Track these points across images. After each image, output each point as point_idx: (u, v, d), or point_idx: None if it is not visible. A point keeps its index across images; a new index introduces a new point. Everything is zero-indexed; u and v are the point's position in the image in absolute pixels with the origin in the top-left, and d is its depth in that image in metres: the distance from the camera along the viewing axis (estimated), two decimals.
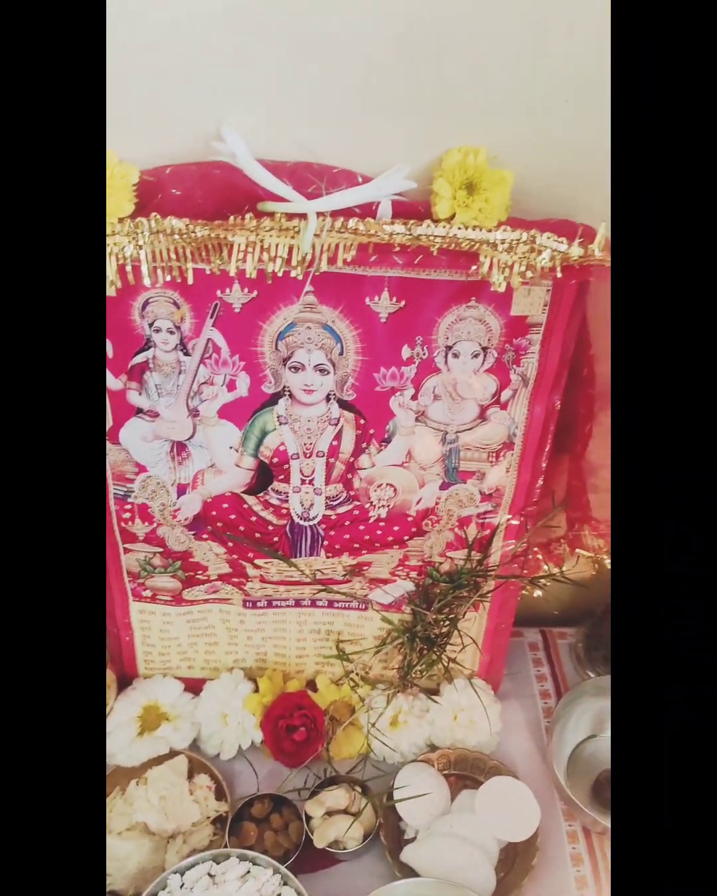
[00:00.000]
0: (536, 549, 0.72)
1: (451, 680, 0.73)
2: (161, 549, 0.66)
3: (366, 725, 0.71)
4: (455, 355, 0.55)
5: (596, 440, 0.64)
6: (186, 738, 0.72)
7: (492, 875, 0.64)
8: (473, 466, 0.61)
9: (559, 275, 0.49)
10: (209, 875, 0.61)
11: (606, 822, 0.64)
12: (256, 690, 0.74)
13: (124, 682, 0.75)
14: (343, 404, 0.57)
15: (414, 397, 0.57)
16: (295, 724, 0.71)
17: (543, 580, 0.69)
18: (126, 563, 0.67)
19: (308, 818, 0.67)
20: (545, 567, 0.73)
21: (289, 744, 0.70)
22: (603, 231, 0.48)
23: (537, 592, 0.75)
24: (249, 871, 0.61)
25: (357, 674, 0.72)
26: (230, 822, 0.66)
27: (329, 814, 0.67)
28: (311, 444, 0.59)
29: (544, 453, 0.61)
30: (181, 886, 0.60)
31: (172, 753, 0.70)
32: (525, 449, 0.60)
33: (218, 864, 0.62)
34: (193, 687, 0.75)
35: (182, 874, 0.61)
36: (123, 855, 0.63)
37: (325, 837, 0.65)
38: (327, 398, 0.57)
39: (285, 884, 0.61)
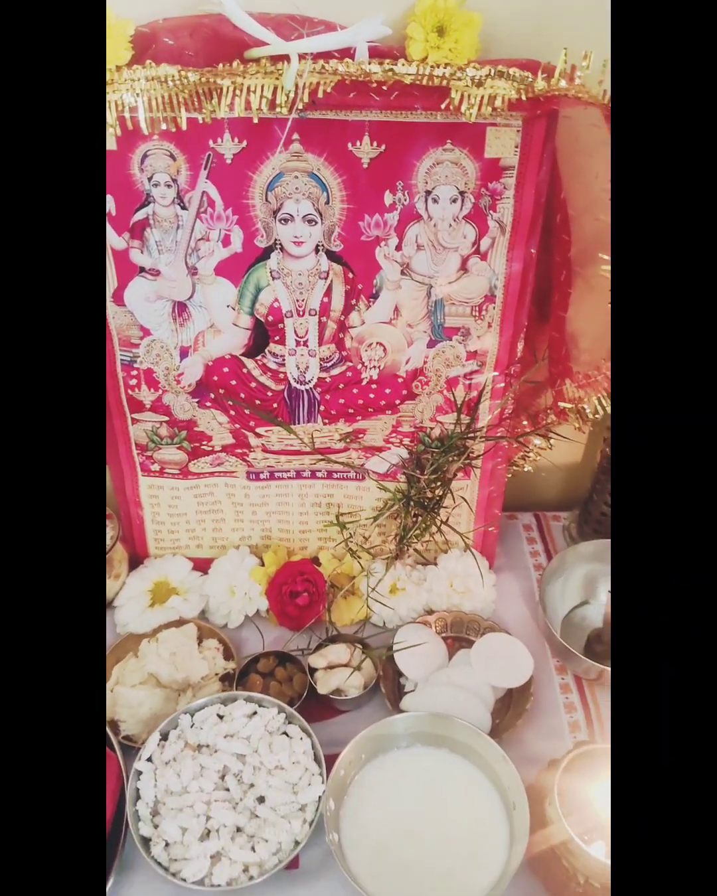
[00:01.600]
0: (525, 422, 0.75)
1: (447, 549, 0.77)
2: (167, 419, 0.70)
3: (366, 592, 0.75)
4: (435, 200, 0.58)
5: (576, 306, 0.67)
6: (195, 609, 0.76)
7: (488, 717, 0.67)
8: (457, 322, 0.65)
9: (524, 100, 0.52)
10: (218, 715, 0.65)
11: (600, 667, 0.68)
12: (262, 565, 0.78)
13: (136, 563, 0.79)
14: (332, 257, 0.61)
15: (399, 248, 0.60)
16: (298, 590, 0.74)
17: (528, 438, 0.73)
18: (134, 434, 0.71)
19: (312, 671, 0.70)
20: (536, 441, 0.77)
21: (292, 608, 0.74)
22: (562, 64, 0.52)
23: (528, 468, 0.79)
24: (255, 712, 0.65)
25: (357, 543, 0.76)
26: (238, 676, 0.70)
27: (331, 667, 0.70)
28: (303, 300, 0.63)
29: (525, 307, 0.64)
30: (191, 725, 0.64)
31: (182, 621, 0.74)
32: (507, 302, 0.63)
33: (226, 705, 0.65)
34: (201, 566, 0.79)
35: (192, 714, 0.65)
36: (135, 703, 0.67)
37: (327, 685, 0.68)
38: (316, 250, 0.60)
39: (290, 722, 0.65)
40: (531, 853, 0.57)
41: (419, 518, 0.74)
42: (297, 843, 0.58)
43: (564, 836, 0.55)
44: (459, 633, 0.75)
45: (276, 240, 0.60)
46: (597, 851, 0.54)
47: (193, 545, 0.79)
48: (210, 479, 0.75)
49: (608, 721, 0.69)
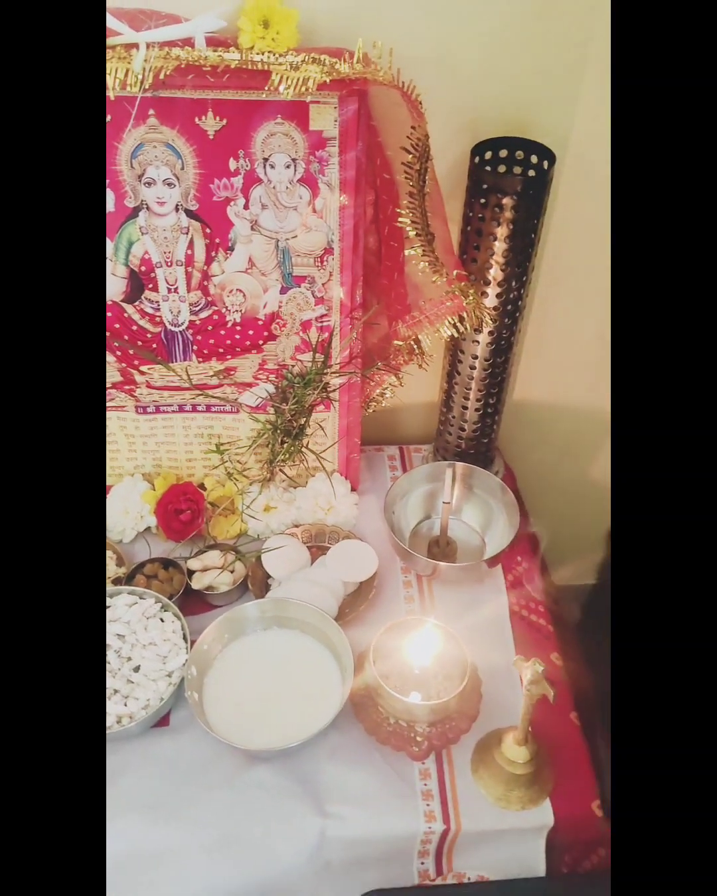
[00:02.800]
0: (379, 364, 0.88)
1: (315, 473, 0.89)
2: None
3: (243, 511, 0.87)
4: (272, 166, 0.70)
5: (411, 264, 0.79)
6: None
7: (336, 604, 0.79)
8: (304, 271, 0.76)
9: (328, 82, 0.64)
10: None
11: (434, 564, 0.80)
12: (153, 489, 0.89)
13: None
14: (190, 214, 0.72)
15: (246, 207, 0.72)
16: (182, 508, 0.86)
17: (382, 377, 0.86)
18: None
19: (190, 572, 0.82)
20: (388, 379, 0.89)
21: (177, 524, 0.86)
22: (358, 52, 0.63)
23: (385, 404, 0.91)
24: (136, 602, 0.77)
25: (235, 468, 0.88)
26: (126, 579, 0.82)
27: (206, 569, 0.82)
28: (170, 252, 0.74)
29: (359, 258, 0.76)
30: None
31: None
32: (343, 253, 0.75)
33: (111, 597, 0.77)
34: None
35: None
36: None
37: (201, 582, 0.80)
38: (177, 208, 0.72)
39: (165, 610, 0.77)
40: (355, 702, 0.70)
41: (286, 444, 0.86)
42: (162, 699, 0.70)
43: (376, 684, 0.68)
44: (321, 543, 0.87)
45: (142, 200, 0.71)
46: (412, 699, 0.67)
47: None
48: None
49: (435, 605, 0.82)
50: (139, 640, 0.73)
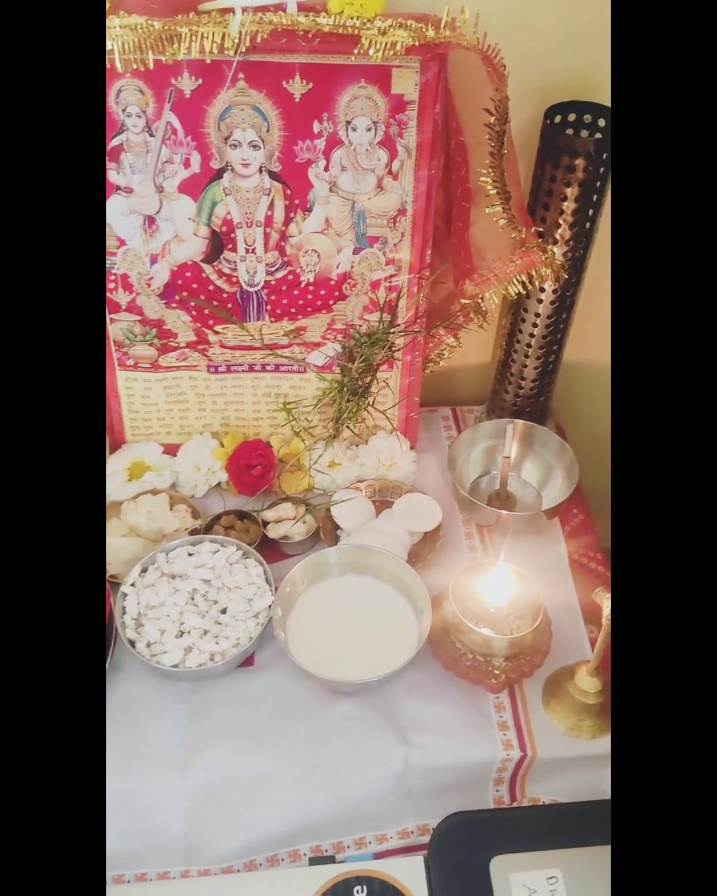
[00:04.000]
0: (441, 329, 0.91)
1: (376, 431, 0.93)
2: (140, 318, 0.84)
3: (309, 467, 0.90)
4: (354, 129, 0.73)
5: (477, 225, 0.82)
6: (167, 482, 0.91)
7: (404, 553, 0.83)
8: (377, 232, 0.80)
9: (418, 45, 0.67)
10: (188, 553, 0.80)
11: (496, 513, 0.84)
12: (222, 447, 0.93)
13: (115, 448, 0.94)
14: (273, 176, 0.75)
15: (326, 169, 0.75)
16: (252, 464, 0.89)
17: (440, 337, 0.89)
18: (112, 332, 0.85)
19: (265, 523, 0.86)
20: (446, 340, 0.93)
21: (248, 479, 0.89)
22: (446, 17, 0.66)
23: (443, 364, 0.95)
24: (218, 550, 0.80)
25: (301, 427, 0.91)
26: (203, 530, 0.85)
27: (280, 520, 0.86)
28: (250, 213, 0.77)
29: (430, 219, 0.79)
30: (166, 560, 0.79)
31: (157, 491, 0.89)
32: (415, 215, 0.78)
33: (194, 545, 0.81)
34: (171, 451, 0.93)
35: (167, 553, 0.80)
36: (119, 548, 0.82)
37: (277, 532, 0.84)
38: (260, 170, 0.75)
39: (246, 557, 0.81)
40: (433, 640, 0.74)
41: (351, 403, 0.89)
42: (251, 638, 0.74)
43: (456, 621, 0.71)
44: (384, 497, 0.91)
45: (227, 162, 0.74)
46: (483, 631, 0.71)
47: (163, 432, 0.94)
48: (177, 373, 0.89)
49: (498, 550, 0.85)
50: (225, 584, 0.77)
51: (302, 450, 0.92)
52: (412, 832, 0.72)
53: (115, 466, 0.90)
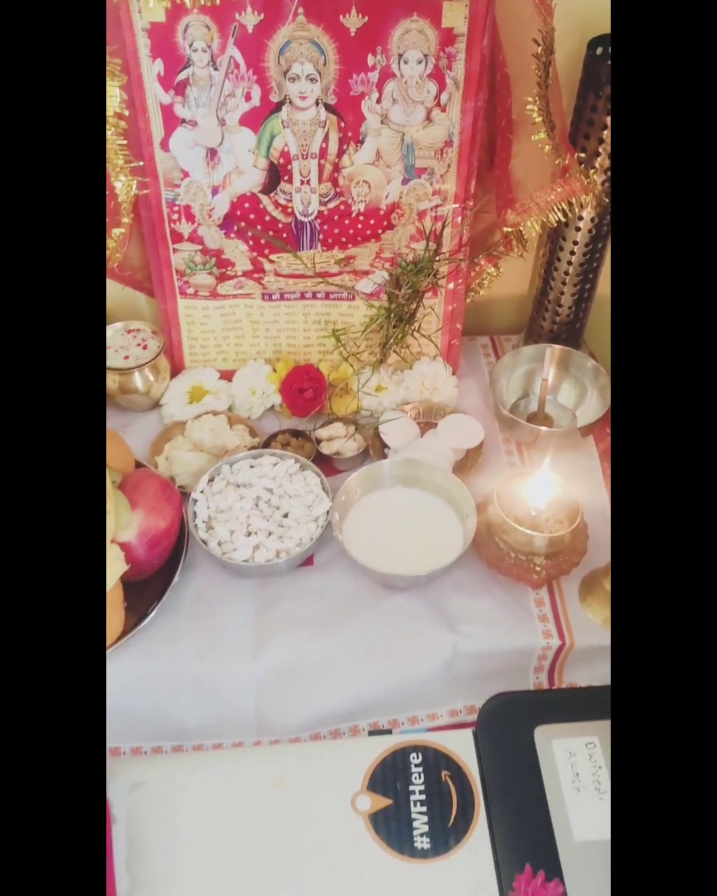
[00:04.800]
0: (480, 260, 0.96)
1: (420, 357, 0.98)
2: (200, 247, 0.90)
3: (357, 390, 0.96)
4: (405, 62, 0.77)
5: (515, 150, 0.86)
6: (224, 405, 0.97)
7: (449, 468, 0.90)
8: (425, 163, 0.84)
9: None
10: (250, 465, 0.87)
11: (534, 429, 0.90)
12: (275, 372, 0.99)
13: (175, 374, 1.00)
14: (329, 108, 0.80)
15: (379, 101, 0.79)
16: (305, 387, 0.96)
17: (482, 266, 0.94)
18: (175, 262, 0.91)
19: (318, 441, 0.92)
20: (487, 269, 0.98)
21: (300, 401, 0.95)
22: None
23: (483, 292, 1.00)
24: (277, 463, 0.87)
25: (349, 352, 0.97)
26: (261, 446, 0.92)
27: (332, 438, 0.92)
28: (306, 145, 0.82)
29: (476, 151, 0.83)
30: (231, 471, 0.86)
31: (216, 412, 0.96)
32: (462, 146, 0.83)
33: (256, 458, 0.87)
34: (226, 376, 1.00)
35: (231, 464, 0.87)
36: (186, 461, 0.89)
37: (330, 448, 0.91)
38: (316, 103, 0.79)
39: (304, 469, 0.87)
40: (477, 542, 0.81)
41: (397, 329, 0.95)
42: (311, 539, 0.81)
43: (500, 522, 0.78)
44: (428, 419, 0.97)
45: (285, 95, 0.79)
46: (526, 531, 0.77)
47: (219, 359, 1.00)
48: (233, 301, 0.95)
49: (532, 463, 0.92)
50: (286, 491, 0.83)
51: (350, 374, 0.97)
52: (460, 712, 0.79)
53: (177, 390, 0.97)
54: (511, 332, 1.09)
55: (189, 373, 0.99)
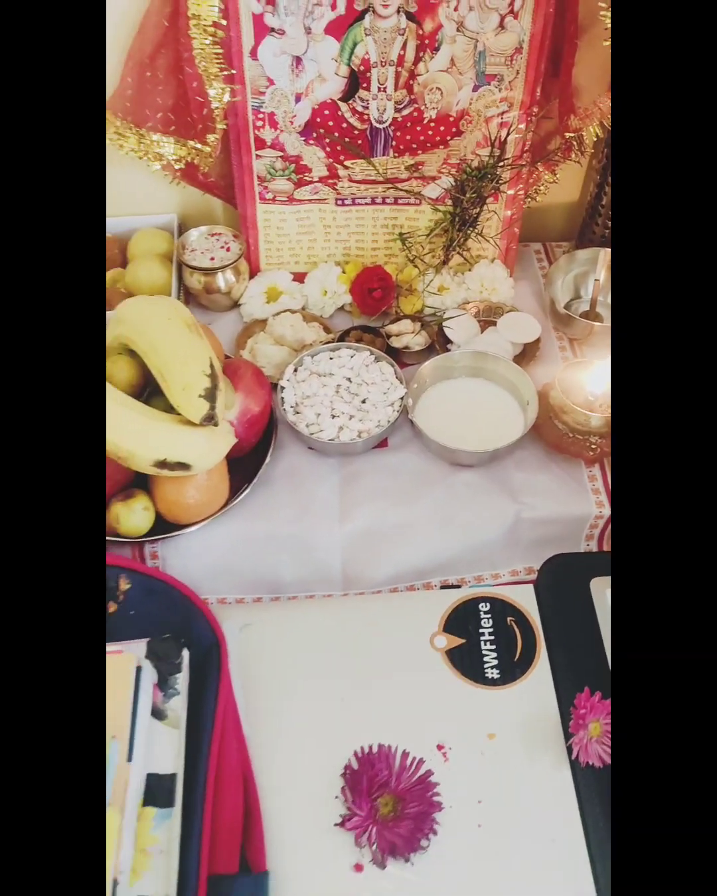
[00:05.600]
0: (538, 167, 1.02)
1: (479, 260, 1.06)
2: (281, 154, 0.96)
3: (422, 291, 1.04)
4: None
5: (580, 58, 0.91)
6: (298, 304, 1.05)
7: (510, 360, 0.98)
8: (495, 70, 0.90)
9: None
10: (329, 356, 0.96)
11: (587, 325, 0.98)
12: (344, 273, 1.06)
13: (252, 276, 1.08)
14: (409, 16, 0.85)
15: (456, 8, 0.85)
16: (374, 287, 1.03)
17: (540, 173, 1.00)
18: (256, 168, 0.98)
19: (388, 336, 1.00)
20: (544, 176, 1.04)
21: (370, 300, 1.03)
22: None
23: (539, 199, 1.06)
24: (354, 355, 0.96)
25: (415, 255, 1.04)
26: (336, 341, 1.00)
27: (400, 334, 1.01)
28: (386, 53, 0.88)
29: (543, 58, 0.89)
30: (313, 363, 0.95)
31: (292, 311, 1.04)
32: (530, 53, 0.88)
33: (334, 351, 0.96)
34: (298, 279, 1.07)
35: (312, 356, 0.95)
36: (270, 353, 0.97)
37: (400, 342, 0.99)
38: (398, 11, 0.85)
39: (378, 360, 0.96)
40: (537, 425, 0.90)
41: (460, 233, 1.02)
42: (389, 421, 0.90)
43: (560, 404, 0.87)
44: (488, 317, 1.05)
45: (369, 4, 0.84)
46: (584, 411, 0.86)
47: (292, 262, 1.07)
48: (308, 206, 1.02)
49: (584, 356, 1.00)
50: (363, 380, 0.92)
51: (415, 276, 1.05)
52: (520, 572, 0.90)
53: (255, 290, 1.05)
54: (561, 239, 1.16)
55: (265, 274, 1.06)
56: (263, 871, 0.64)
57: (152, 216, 1.08)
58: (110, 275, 1.04)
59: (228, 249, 1.02)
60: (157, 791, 0.64)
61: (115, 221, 1.08)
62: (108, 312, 0.86)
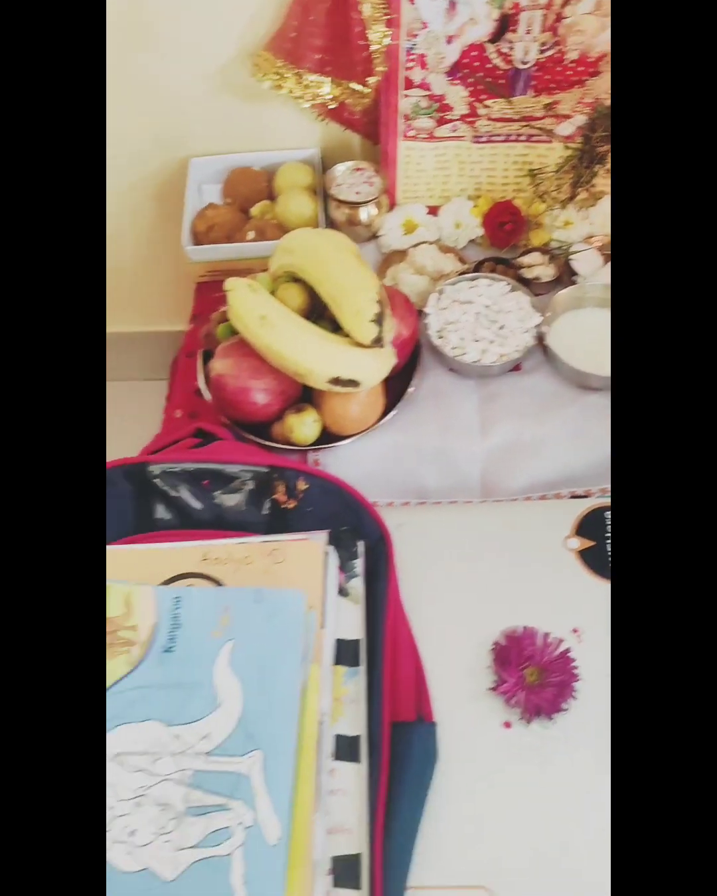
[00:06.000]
0: None
1: (603, 196, 1.12)
2: (427, 93, 1.03)
3: (549, 225, 1.11)
4: None
5: None
6: (433, 236, 1.13)
7: None
8: None
9: None
10: (469, 287, 1.04)
11: None
12: (476, 207, 1.13)
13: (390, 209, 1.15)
14: None
15: None
16: (505, 220, 1.10)
17: None
18: (402, 106, 1.04)
19: (519, 267, 1.08)
20: None
21: (501, 233, 1.11)
22: None
23: None
24: (492, 284, 1.04)
25: (543, 190, 1.10)
26: (472, 271, 1.08)
27: (531, 265, 1.08)
28: None
29: None
30: (455, 292, 1.03)
31: (428, 242, 1.12)
32: None
33: (472, 281, 1.04)
34: (431, 212, 1.15)
35: (453, 285, 1.04)
36: (413, 282, 1.06)
37: (531, 273, 1.07)
38: None
39: (514, 290, 1.04)
40: None
41: (588, 170, 1.08)
42: (526, 346, 0.98)
43: None
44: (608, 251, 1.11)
45: None
46: None
47: (426, 195, 1.15)
48: (446, 143, 1.09)
49: None
50: (501, 308, 1.01)
51: (542, 210, 1.12)
52: None
53: (392, 223, 1.13)
54: None
55: (402, 208, 1.14)
56: (432, 721, 0.77)
57: (297, 151, 1.16)
58: (260, 206, 1.13)
59: (370, 184, 1.10)
60: (345, 653, 0.76)
61: (262, 156, 1.16)
62: (274, 243, 0.95)
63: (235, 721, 0.68)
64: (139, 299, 1.44)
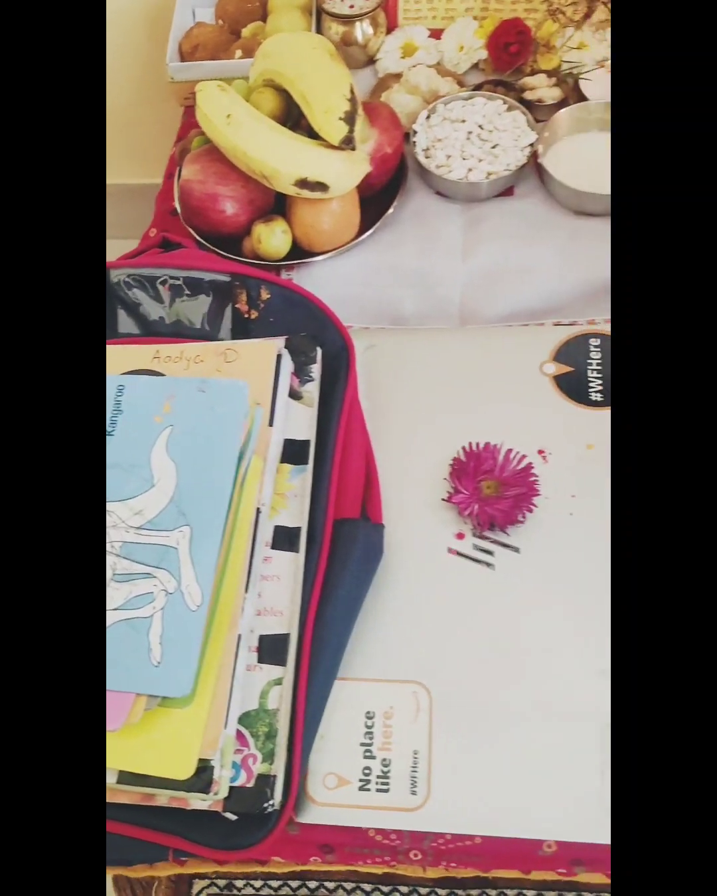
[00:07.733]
0: None
1: None
2: None
3: (561, 47, 1.03)
4: None
5: None
6: (434, 59, 1.06)
7: None
8: None
9: None
10: (462, 105, 0.97)
11: None
12: (482, 27, 1.06)
13: (389, 32, 1.08)
14: None
15: None
16: (511, 41, 1.03)
17: None
18: None
19: (521, 89, 1.01)
20: None
21: (506, 56, 1.03)
22: None
23: None
24: (487, 103, 0.97)
25: (555, 7, 1.02)
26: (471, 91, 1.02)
27: (535, 87, 1.01)
28: None
29: None
30: (447, 110, 0.97)
31: (428, 65, 1.05)
32: None
33: (468, 99, 0.98)
34: (434, 35, 1.07)
35: (446, 104, 0.97)
36: (404, 103, 0.99)
37: (534, 95, 1.00)
38: None
39: (512, 109, 0.97)
40: None
41: None
42: (518, 165, 0.92)
43: None
44: None
45: None
46: None
47: (430, 16, 1.07)
48: None
49: None
50: (496, 126, 0.94)
51: (555, 31, 1.03)
52: None
53: (391, 45, 1.06)
54: None
55: (402, 30, 1.07)
56: (379, 523, 0.75)
57: None
58: (251, 27, 1.07)
59: None
60: (293, 452, 0.74)
61: None
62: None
63: (168, 499, 0.67)
64: (139, 150, 1.40)
